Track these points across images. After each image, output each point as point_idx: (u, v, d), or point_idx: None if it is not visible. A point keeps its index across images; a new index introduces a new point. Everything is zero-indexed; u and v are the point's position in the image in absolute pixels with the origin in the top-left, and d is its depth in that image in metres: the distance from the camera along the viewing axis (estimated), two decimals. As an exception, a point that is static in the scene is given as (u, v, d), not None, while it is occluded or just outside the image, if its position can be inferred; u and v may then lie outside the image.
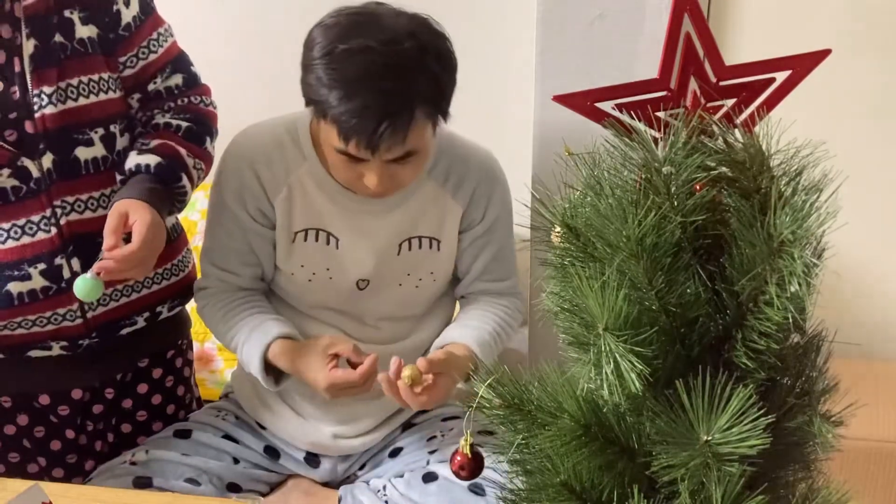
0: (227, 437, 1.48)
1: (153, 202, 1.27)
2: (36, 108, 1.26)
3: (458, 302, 1.56)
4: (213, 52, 1.68)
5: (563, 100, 0.76)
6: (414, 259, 1.42)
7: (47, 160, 1.29)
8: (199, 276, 1.51)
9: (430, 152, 1.36)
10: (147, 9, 1.38)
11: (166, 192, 1.33)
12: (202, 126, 1.41)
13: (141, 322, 1.47)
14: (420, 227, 1.42)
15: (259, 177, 1.38)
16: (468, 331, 1.43)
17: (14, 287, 1.31)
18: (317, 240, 1.39)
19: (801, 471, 0.80)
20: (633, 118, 0.74)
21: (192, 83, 1.46)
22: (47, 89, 1.26)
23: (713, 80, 0.75)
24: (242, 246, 1.42)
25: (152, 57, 1.39)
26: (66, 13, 1.29)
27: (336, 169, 1.32)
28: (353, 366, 1.32)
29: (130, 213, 1.23)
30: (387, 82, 1.19)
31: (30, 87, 1.26)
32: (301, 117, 1.37)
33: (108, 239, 1.22)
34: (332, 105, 1.20)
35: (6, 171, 1.26)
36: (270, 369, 1.39)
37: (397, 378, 1.27)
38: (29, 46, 1.26)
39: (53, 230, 1.31)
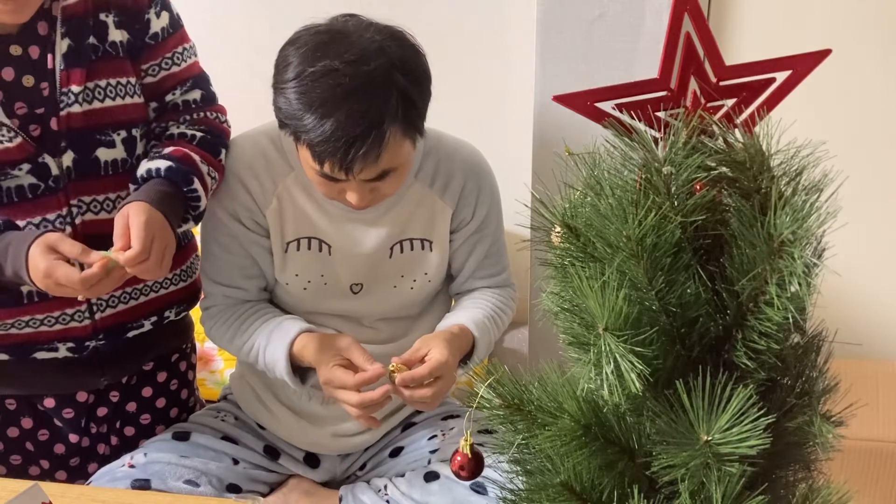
0: (227, 438, 1.48)
1: (156, 202, 1.26)
2: (62, 105, 1.27)
3: (453, 300, 1.56)
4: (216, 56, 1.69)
5: (563, 100, 0.76)
6: (406, 261, 1.42)
7: (68, 158, 1.29)
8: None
9: (411, 164, 1.34)
10: (176, 24, 1.40)
11: (178, 195, 1.31)
12: (216, 138, 1.41)
13: (148, 325, 1.47)
14: (410, 230, 1.41)
15: (249, 189, 1.37)
16: (461, 312, 1.44)
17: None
18: (309, 248, 1.39)
19: (801, 471, 0.80)
20: (633, 118, 0.74)
21: (210, 101, 1.47)
22: (76, 88, 1.27)
23: (713, 80, 0.75)
24: (243, 260, 1.41)
25: (174, 69, 1.40)
26: (102, 16, 1.30)
27: (317, 186, 1.31)
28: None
29: (130, 215, 1.23)
30: (355, 104, 1.16)
31: (58, 85, 1.27)
32: None
33: (116, 243, 1.21)
34: (302, 130, 1.19)
35: (26, 167, 1.27)
36: (295, 369, 1.38)
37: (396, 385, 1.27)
38: (63, 45, 1.26)
39: (68, 229, 1.31)
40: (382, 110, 1.17)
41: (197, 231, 1.49)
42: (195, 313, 1.60)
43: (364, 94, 1.17)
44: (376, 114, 1.17)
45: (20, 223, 1.29)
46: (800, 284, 0.66)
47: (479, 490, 1.30)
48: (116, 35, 1.32)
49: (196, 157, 1.34)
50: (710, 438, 0.66)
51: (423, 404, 1.31)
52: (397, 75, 1.18)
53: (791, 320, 0.68)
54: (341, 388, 1.28)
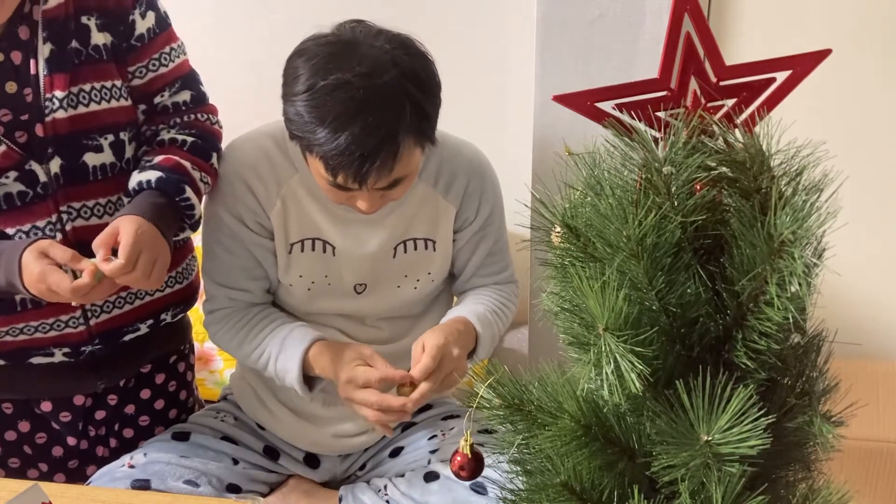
0: (226, 438, 1.48)
1: (148, 215, 1.25)
2: (47, 111, 1.26)
3: (455, 297, 1.56)
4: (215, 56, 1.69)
5: (563, 100, 0.76)
6: (410, 261, 1.42)
7: (55, 164, 1.28)
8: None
9: (419, 170, 1.34)
10: (163, 24, 1.38)
11: (171, 205, 1.31)
12: (207, 142, 1.40)
13: (144, 329, 1.46)
14: (414, 230, 1.41)
15: (253, 191, 1.37)
16: (461, 306, 1.44)
17: None
18: (313, 249, 1.39)
19: (802, 471, 0.80)
20: (633, 118, 0.74)
21: (200, 101, 1.45)
22: (59, 93, 1.26)
23: (713, 79, 0.75)
24: (247, 261, 1.40)
25: (162, 70, 1.38)
26: (84, 19, 1.29)
27: (326, 193, 1.30)
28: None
29: (120, 227, 1.22)
30: (370, 117, 1.15)
31: (42, 90, 1.26)
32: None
33: (96, 253, 1.21)
34: (315, 143, 1.18)
35: (13, 174, 1.26)
36: (305, 378, 1.37)
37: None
38: (45, 50, 1.25)
39: (59, 236, 1.30)
40: (396, 123, 1.17)
41: (196, 233, 1.48)
42: (193, 314, 1.60)
43: (377, 107, 1.16)
44: (390, 126, 1.16)
45: (10, 231, 1.28)
46: (800, 284, 0.66)
47: (479, 490, 1.30)
48: (99, 38, 1.30)
49: (187, 164, 1.33)
50: (710, 438, 0.65)
51: (445, 386, 1.30)
52: (410, 87, 1.18)
53: (791, 320, 0.68)
54: (364, 386, 1.28)
